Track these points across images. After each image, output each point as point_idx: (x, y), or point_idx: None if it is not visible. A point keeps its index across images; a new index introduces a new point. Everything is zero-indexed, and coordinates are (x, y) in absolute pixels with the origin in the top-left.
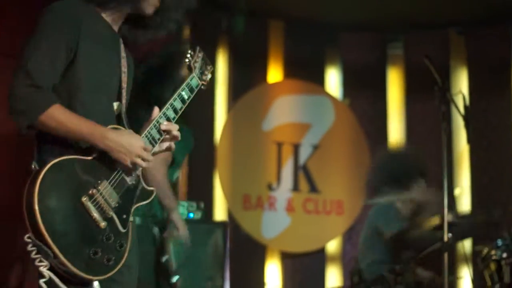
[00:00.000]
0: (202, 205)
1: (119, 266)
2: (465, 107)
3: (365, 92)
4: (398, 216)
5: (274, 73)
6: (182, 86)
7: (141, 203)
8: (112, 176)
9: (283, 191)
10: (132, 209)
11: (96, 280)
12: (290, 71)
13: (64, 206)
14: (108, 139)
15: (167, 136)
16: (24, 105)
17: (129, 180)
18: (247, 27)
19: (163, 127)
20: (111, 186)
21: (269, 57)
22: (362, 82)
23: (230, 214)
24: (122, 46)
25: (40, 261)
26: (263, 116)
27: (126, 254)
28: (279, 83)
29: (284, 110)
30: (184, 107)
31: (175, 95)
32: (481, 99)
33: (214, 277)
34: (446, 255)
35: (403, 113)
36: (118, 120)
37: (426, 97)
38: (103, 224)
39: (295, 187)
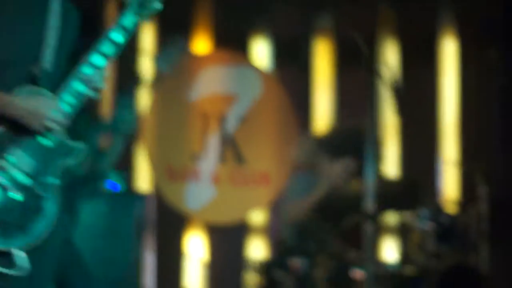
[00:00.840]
0: (124, 176)
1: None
2: (392, 78)
3: (293, 64)
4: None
5: (201, 44)
6: (112, 27)
7: (66, 162)
8: (24, 141)
9: (209, 163)
10: (55, 170)
11: (7, 249)
12: (217, 41)
13: None
14: (10, 107)
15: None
16: None
17: (46, 141)
18: None
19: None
20: (23, 151)
21: (196, 27)
22: (290, 54)
23: (154, 186)
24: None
25: None
26: (189, 87)
27: (49, 216)
28: (205, 53)
29: (210, 81)
30: (117, 51)
31: (103, 38)
32: (409, 71)
33: (136, 249)
34: (368, 226)
35: (331, 86)
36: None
37: (355, 69)
38: (15, 193)
39: (221, 159)
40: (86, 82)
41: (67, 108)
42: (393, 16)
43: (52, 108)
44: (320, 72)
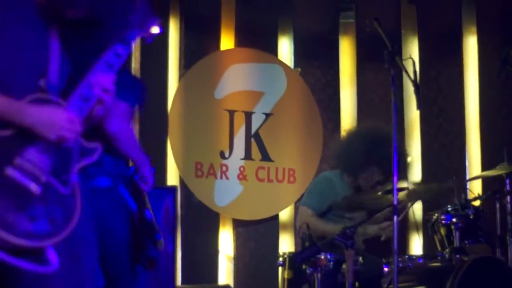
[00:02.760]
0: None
1: (70, 226)
2: (415, 72)
3: (317, 60)
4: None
5: (226, 41)
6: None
7: (84, 162)
8: (39, 141)
9: (235, 159)
10: (74, 169)
11: (42, 245)
12: (242, 39)
13: None
14: (26, 115)
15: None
16: None
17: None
18: None
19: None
20: (40, 151)
21: (222, 25)
22: (314, 50)
23: (182, 182)
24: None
25: None
26: (215, 84)
27: (75, 213)
28: (231, 50)
29: (237, 78)
30: (120, 62)
31: (108, 51)
32: (432, 66)
33: (165, 243)
34: (395, 218)
35: (355, 81)
36: None
37: (378, 65)
38: (36, 189)
39: (247, 156)
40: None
41: (79, 114)
42: (415, 11)
43: (68, 118)
44: (344, 68)
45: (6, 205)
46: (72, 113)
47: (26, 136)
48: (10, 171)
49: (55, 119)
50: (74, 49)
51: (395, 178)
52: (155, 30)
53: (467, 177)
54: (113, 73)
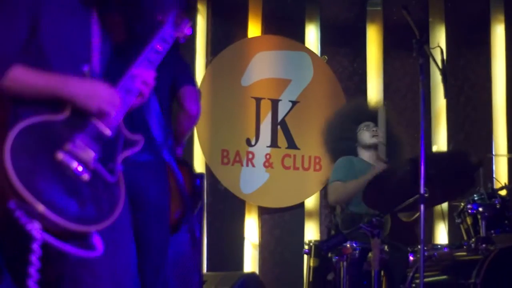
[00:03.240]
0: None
1: (115, 213)
2: (443, 61)
3: (344, 48)
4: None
5: (254, 28)
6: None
7: (128, 152)
8: (88, 129)
9: (261, 147)
10: (119, 158)
11: (89, 230)
12: (269, 26)
13: (40, 166)
14: (70, 85)
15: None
16: None
17: (107, 131)
18: None
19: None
20: (89, 137)
21: (249, 12)
22: (341, 38)
23: (208, 169)
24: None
25: (30, 224)
26: (242, 72)
27: (120, 201)
28: (258, 38)
29: (263, 65)
30: (159, 59)
31: (148, 47)
32: (460, 55)
33: (192, 229)
34: (422, 207)
35: (382, 69)
36: None
37: (405, 54)
38: (85, 175)
39: (274, 143)
40: (136, 81)
41: (122, 103)
42: (442, 0)
43: (110, 93)
44: (371, 56)
45: (57, 189)
46: (114, 90)
47: (78, 122)
48: (61, 156)
49: (97, 91)
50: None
51: (422, 167)
52: (188, 31)
53: (494, 167)
54: (153, 69)
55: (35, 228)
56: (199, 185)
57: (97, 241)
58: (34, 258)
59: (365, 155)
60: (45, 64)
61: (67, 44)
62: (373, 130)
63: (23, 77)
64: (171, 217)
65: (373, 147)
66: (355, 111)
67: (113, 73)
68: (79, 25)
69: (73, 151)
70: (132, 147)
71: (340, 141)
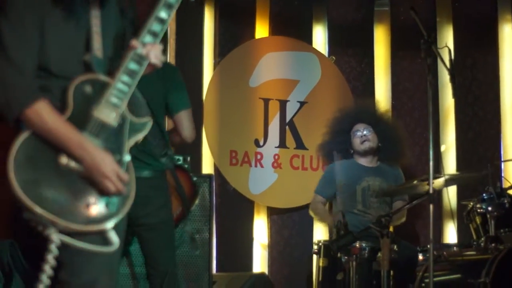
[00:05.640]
0: (188, 159)
1: (127, 205)
2: (451, 60)
3: (352, 48)
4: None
5: (261, 29)
6: (157, 7)
7: (137, 137)
8: (90, 125)
9: (270, 148)
10: (125, 147)
11: (102, 228)
12: (277, 27)
13: (44, 173)
14: (84, 149)
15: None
16: (9, 98)
17: (111, 121)
18: None
19: (142, 51)
20: (91, 134)
21: (256, 13)
22: (349, 39)
23: (217, 170)
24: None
25: (47, 230)
26: (250, 73)
27: (132, 192)
28: (266, 39)
29: (271, 66)
30: (164, 28)
31: (152, 18)
32: (467, 55)
33: (201, 230)
34: (431, 207)
35: (390, 70)
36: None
37: (413, 54)
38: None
39: (282, 144)
40: (140, 61)
41: (124, 88)
42: (450, 1)
43: (116, 171)
44: (378, 56)
45: (64, 194)
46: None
47: (79, 120)
48: (65, 160)
49: (105, 164)
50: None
51: (430, 167)
52: None
53: (502, 166)
54: (158, 41)
55: (52, 232)
56: (195, 182)
57: (113, 235)
58: (50, 257)
59: (362, 160)
60: (45, 54)
61: (67, 37)
62: (364, 135)
63: (46, 118)
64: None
65: (369, 151)
66: (348, 115)
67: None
68: (79, 17)
69: None
70: (139, 132)
71: (336, 144)
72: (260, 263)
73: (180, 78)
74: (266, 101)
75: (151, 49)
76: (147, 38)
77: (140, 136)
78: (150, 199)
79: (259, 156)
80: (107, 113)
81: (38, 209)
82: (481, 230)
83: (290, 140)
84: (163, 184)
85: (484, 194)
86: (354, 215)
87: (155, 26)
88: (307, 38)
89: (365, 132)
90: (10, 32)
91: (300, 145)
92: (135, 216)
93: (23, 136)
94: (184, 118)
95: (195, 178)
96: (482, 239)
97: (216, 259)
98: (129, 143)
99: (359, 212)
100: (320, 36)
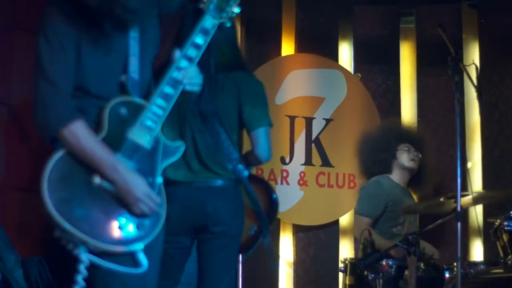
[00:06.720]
0: None
1: (158, 228)
2: (478, 77)
3: (378, 65)
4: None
5: (287, 47)
6: (194, 31)
7: (169, 160)
8: (124, 147)
9: (296, 165)
10: (158, 170)
11: (131, 250)
12: (303, 44)
13: (76, 192)
14: (117, 172)
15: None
16: (46, 117)
17: (145, 143)
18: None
19: (178, 75)
20: (124, 156)
21: (282, 30)
22: (375, 55)
23: None
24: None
25: (76, 249)
26: (276, 90)
27: (162, 215)
28: (292, 56)
29: (297, 83)
30: (200, 53)
31: (188, 43)
32: (494, 72)
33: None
34: (459, 225)
35: (415, 86)
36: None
37: (439, 71)
38: None
39: (308, 161)
40: (175, 85)
41: (159, 112)
42: (476, 16)
43: (147, 193)
44: (404, 73)
45: (96, 213)
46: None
47: (114, 140)
48: (98, 180)
49: (137, 187)
50: (154, 38)
51: (458, 184)
52: (236, 9)
53: None
54: (193, 65)
55: (81, 252)
56: (276, 199)
57: (142, 257)
58: (80, 279)
59: (398, 175)
60: (82, 75)
61: (104, 59)
62: (413, 154)
63: (82, 138)
64: (244, 235)
65: (408, 169)
66: (397, 129)
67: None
68: (115, 40)
69: None
70: (172, 155)
71: (377, 152)
72: (285, 281)
73: (261, 92)
74: (292, 119)
75: (186, 74)
76: (183, 63)
77: (173, 160)
78: (218, 208)
79: (285, 174)
80: (141, 135)
81: (69, 228)
82: (508, 248)
83: (316, 158)
84: (234, 194)
85: (511, 212)
86: (394, 236)
87: (191, 51)
88: (333, 55)
89: (415, 153)
90: (49, 53)
91: (326, 162)
92: (202, 224)
93: (57, 155)
94: (261, 136)
95: (274, 196)
96: (509, 256)
97: (242, 278)
98: (162, 166)
99: (397, 232)
100: (345, 53)
